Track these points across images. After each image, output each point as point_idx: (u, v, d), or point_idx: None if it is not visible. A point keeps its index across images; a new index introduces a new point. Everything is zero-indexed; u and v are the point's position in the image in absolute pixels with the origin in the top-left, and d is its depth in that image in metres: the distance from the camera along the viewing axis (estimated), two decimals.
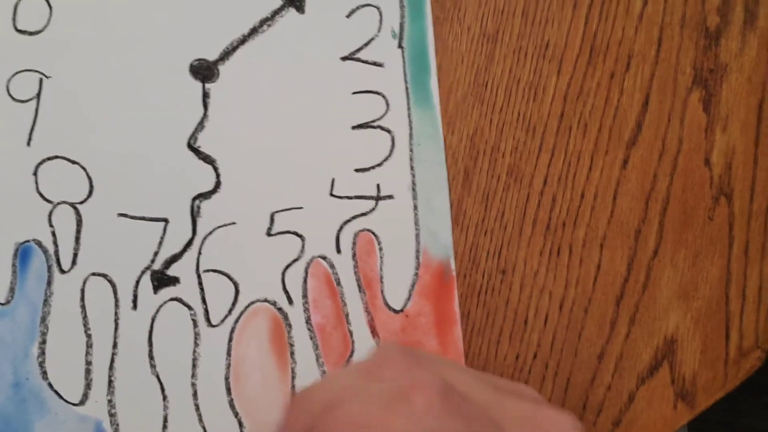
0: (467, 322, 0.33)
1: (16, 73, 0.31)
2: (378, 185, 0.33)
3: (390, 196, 0.33)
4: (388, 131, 0.34)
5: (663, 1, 0.37)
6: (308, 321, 0.32)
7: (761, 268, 0.35)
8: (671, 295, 0.35)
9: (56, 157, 0.31)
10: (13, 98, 0.31)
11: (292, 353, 0.31)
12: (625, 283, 0.35)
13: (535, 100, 0.35)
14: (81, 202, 0.31)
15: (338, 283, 0.32)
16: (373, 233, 0.33)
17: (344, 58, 0.34)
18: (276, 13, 0.33)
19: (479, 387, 0.24)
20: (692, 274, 0.35)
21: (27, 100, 0.31)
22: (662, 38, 0.37)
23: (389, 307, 0.32)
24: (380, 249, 0.33)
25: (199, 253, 0.31)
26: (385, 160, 0.33)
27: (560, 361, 0.34)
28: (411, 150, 0.34)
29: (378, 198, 0.33)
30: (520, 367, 0.33)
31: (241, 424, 0.31)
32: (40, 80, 0.31)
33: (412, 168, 0.33)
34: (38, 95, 0.31)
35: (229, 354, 0.31)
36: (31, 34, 0.32)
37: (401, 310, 0.32)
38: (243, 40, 0.33)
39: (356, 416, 0.21)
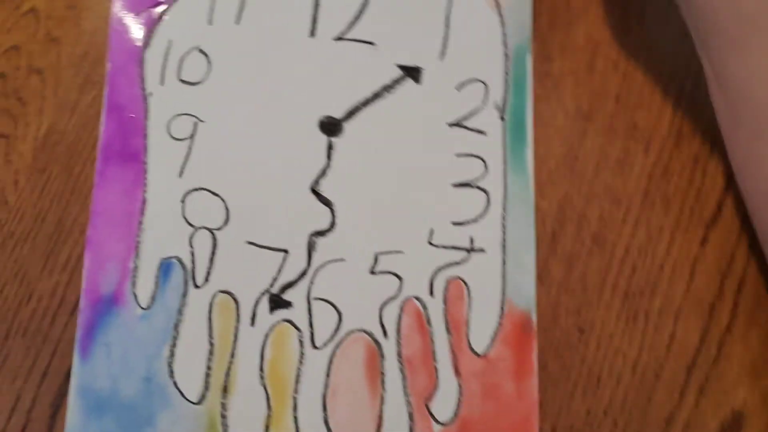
0: (544, 374, 0.36)
1: (176, 115, 0.37)
2: (471, 238, 0.37)
3: (482, 250, 0.37)
4: (485, 191, 0.37)
5: None
6: (399, 354, 0.35)
7: None
8: (741, 371, 0.36)
9: (201, 188, 0.36)
10: (172, 137, 0.37)
11: (382, 381, 0.35)
12: (697, 354, 0.36)
13: (621, 175, 0.38)
14: (218, 229, 0.36)
15: (428, 323, 0.36)
16: (464, 281, 0.36)
17: (451, 125, 0.38)
18: (396, 81, 0.38)
19: None
20: (763, 353, 0.37)
21: (183, 139, 0.37)
22: None
23: (472, 350, 0.36)
24: (469, 296, 0.36)
25: (311, 282, 0.36)
26: (480, 216, 0.37)
27: (629, 421, 0.36)
28: (504, 210, 0.37)
29: (471, 250, 0.37)
30: (590, 421, 0.36)
31: None
32: (195, 123, 0.37)
33: (503, 226, 0.37)
34: (192, 136, 0.37)
35: (328, 375, 0.35)
36: (191, 84, 0.38)
37: (483, 354, 0.36)
38: (366, 103, 0.38)
39: None
